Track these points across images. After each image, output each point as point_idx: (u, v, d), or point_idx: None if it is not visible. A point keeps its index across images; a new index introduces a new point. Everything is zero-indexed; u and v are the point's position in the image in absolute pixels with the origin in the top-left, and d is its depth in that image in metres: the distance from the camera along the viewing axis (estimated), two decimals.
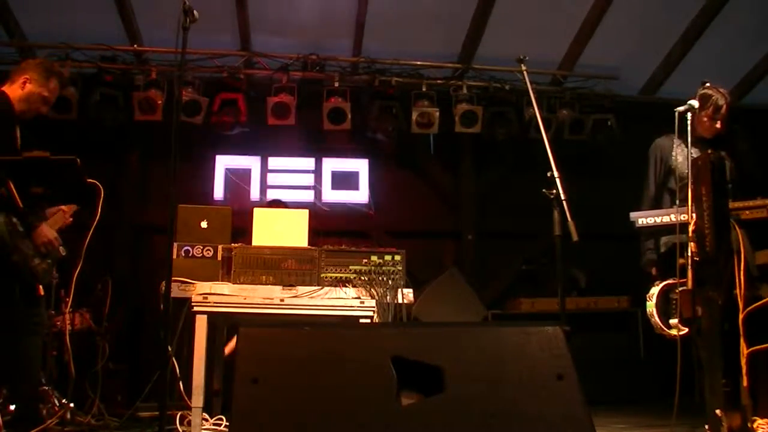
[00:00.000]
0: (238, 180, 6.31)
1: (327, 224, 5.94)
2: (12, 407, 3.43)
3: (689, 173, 3.15)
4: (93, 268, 3.89)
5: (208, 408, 4.04)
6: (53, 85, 3.43)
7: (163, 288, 2.74)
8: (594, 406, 1.96)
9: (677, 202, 3.42)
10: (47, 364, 3.84)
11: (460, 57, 6.20)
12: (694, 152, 3.34)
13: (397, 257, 3.90)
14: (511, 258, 6.56)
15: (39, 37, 5.73)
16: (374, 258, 3.88)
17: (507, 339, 2.01)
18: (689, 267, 3.06)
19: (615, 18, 5.76)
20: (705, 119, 3.66)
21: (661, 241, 3.74)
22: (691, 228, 3.10)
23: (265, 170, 6.43)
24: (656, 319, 3.42)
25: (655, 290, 3.48)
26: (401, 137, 6.15)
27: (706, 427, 2.92)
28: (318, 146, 6.47)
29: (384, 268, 3.85)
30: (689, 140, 3.28)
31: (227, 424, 3.85)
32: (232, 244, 3.86)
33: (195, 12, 2.68)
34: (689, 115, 3.32)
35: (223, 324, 4.36)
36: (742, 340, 2.95)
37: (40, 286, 3.20)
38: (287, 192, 6.22)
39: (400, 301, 3.80)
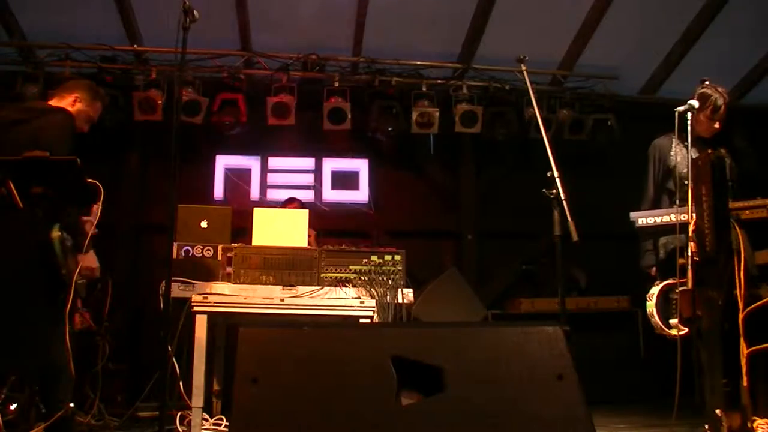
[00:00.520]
0: (238, 180, 6.31)
1: (327, 224, 5.94)
2: (12, 407, 3.43)
3: (689, 173, 3.15)
4: None
5: (208, 408, 4.05)
6: (98, 106, 3.64)
7: (163, 288, 2.75)
8: (594, 406, 1.96)
9: (676, 202, 3.42)
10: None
11: (460, 57, 6.20)
12: (693, 152, 3.34)
13: (397, 257, 3.90)
14: (511, 258, 6.55)
15: (39, 37, 5.73)
16: (374, 258, 3.88)
17: (507, 339, 2.01)
18: (689, 267, 3.06)
19: (615, 18, 5.76)
20: (703, 119, 3.66)
21: (660, 241, 3.74)
22: (691, 228, 3.10)
23: (265, 170, 6.43)
24: (656, 319, 3.43)
25: (655, 290, 3.48)
26: (401, 137, 6.15)
27: (706, 427, 2.92)
28: (318, 146, 6.46)
29: (384, 268, 3.85)
30: (689, 140, 3.28)
31: (227, 424, 3.85)
32: (232, 244, 3.86)
33: (195, 12, 2.68)
34: (689, 115, 3.32)
35: (223, 324, 4.36)
36: (742, 340, 2.95)
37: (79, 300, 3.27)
38: (287, 192, 6.22)
39: (400, 301, 3.80)
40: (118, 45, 5.73)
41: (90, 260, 3.27)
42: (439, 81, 6.17)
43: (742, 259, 3.00)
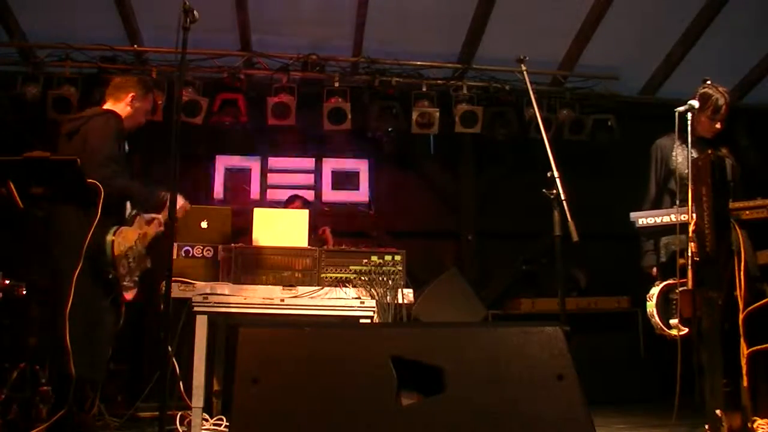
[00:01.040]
0: (238, 180, 6.31)
1: (327, 224, 5.94)
2: (13, 407, 3.43)
3: (689, 173, 3.15)
4: None
5: (208, 408, 4.04)
6: (151, 97, 3.77)
7: (163, 288, 2.74)
8: (594, 406, 1.96)
9: (677, 202, 3.42)
10: (47, 365, 3.83)
11: (460, 57, 6.20)
12: (694, 152, 3.34)
13: (397, 257, 3.90)
14: (511, 258, 6.55)
15: (39, 37, 5.73)
16: (374, 258, 3.88)
17: (507, 339, 2.01)
18: (689, 267, 3.06)
19: (615, 18, 5.76)
20: (704, 119, 3.66)
21: (661, 242, 3.74)
22: (691, 228, 3.10)
23: (265, 170, 6.44)
24: (656, 319, 3.43)
25: (655, 290, 3.48)
26: (401, 137, 6.15)
27: (706, 427, 2.91)
28: (318, 146, 6.46)
29: (384, 268, 3.85)
30: (689, 140, 3.28)
31: (227, 424, 3.85)
32: (232, 244, 3.86)
33: (195, 12, 2.68)
34: (689, 115, 3.32)
35: (223, 324, 4.36)
36: (742, 340, 2.95)
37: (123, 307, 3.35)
38: (287, 192, 6.22)
39: (400, 301, 3.80)
40: (118, 45, 5.73)
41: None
42: (439, 81, 6.17)
43: (743, 259, 3.00)
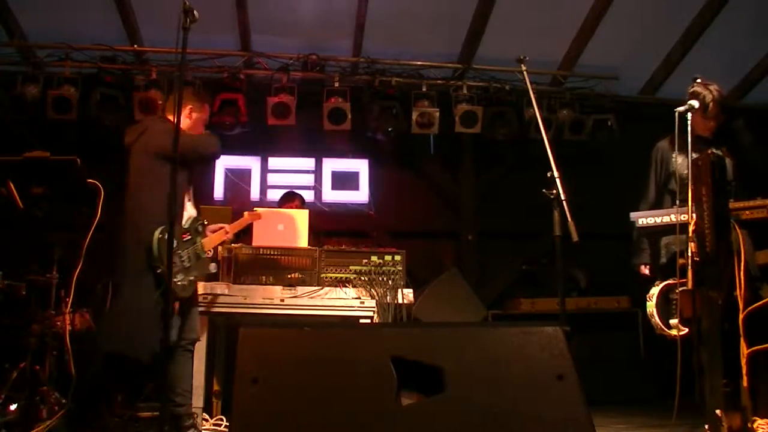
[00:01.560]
0: (238, 180, 6.31)
1: (327, 224, 5.94)
2: (12, 407, 3.43)
3: (689, 173, 3.15)
4: (93, 268, 3.89)
5: (208, 408, 4.05)
6: (207, 107, 3.78)
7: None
8: (594, 406, 1.96)
9: (677, 202, 3.42)
10: (47, 364, 3.83)
11: (460, 57, 6.20)
12: (694, 153, 3.33)
13: (397, 257, 3.90)
14: (511, 258, 6.55)
15: (39, 37, 5.73)
16: (374, 258, 3.88)
17: (507, 339, 2.01)
18: (689, 267, 3.06)
19: (615, 18, 5.76)
20: (698, 118, 3.62)
21: (662, 242, 3.74)
22: (691, 228, 3.09)
23: (265, 170, 6.43)
24: (656, 319, 3.42)
25: (655, 290, 3.48)
26: (401, 137, 6.15)
27: (706, 427, 2.91)
28: (318, 146, 6.46)
29: (384, 268, 3.86)
30: (689, 140, 3.28)
31: (227, 424, 3.85)
32: (233, 244, 3.86)
33: (195, 12, 2.68)
34: (689, 115, 3.32)
35: (223, 324, 4.36)
36: (742, 340, 2.95)
37: (177, 303, 3.38)
38: None
39: (400, 301, 3.81)
40: (118, 45, 5.73)
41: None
42: (439, 81, 6.17)
43: (743, 259, 3.00)
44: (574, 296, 5.90)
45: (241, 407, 1.85)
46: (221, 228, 3.69)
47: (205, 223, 3.64)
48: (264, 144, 6.37)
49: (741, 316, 2.96)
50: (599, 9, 5.72)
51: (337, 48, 6.04)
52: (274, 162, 6.48)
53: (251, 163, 6.42)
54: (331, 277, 3.83)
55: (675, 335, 3.31)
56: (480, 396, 1.90)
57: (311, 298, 3.74)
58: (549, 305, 5.64)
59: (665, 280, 3.52)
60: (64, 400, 3.65)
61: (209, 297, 3.73)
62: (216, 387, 4.33)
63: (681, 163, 3.63)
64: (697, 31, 5.91)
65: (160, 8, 5.24)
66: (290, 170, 6.51)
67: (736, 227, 3.07)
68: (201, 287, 3.70)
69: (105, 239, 3.59)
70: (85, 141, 5.49)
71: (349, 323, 3.68)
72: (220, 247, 3.88)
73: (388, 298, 3.76)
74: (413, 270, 4.13)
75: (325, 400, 1.87)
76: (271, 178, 6.44)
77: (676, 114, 3.35)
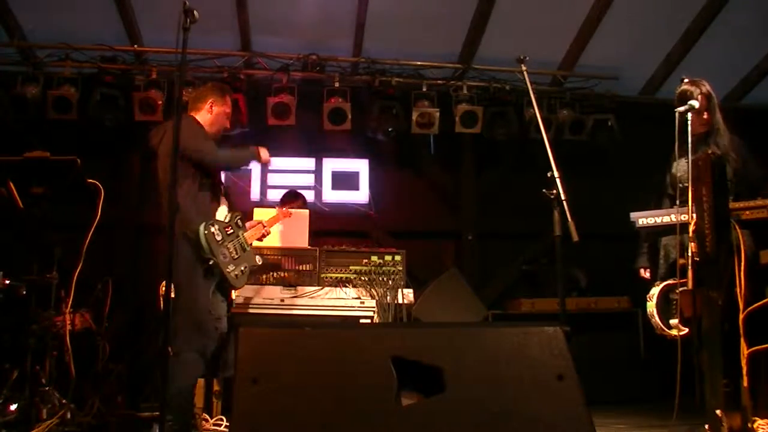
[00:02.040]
0: (238, 180, 6.31)
1: (327, 224, 5.94)
2: (12, 407, 3.43)
3: (689, 174, 3.15)
4: (93, 268, 3.89)
5: (208, 408, 4.05)
6: (228, 100, 3.77)
7: (163, 288, 2.74)
8: (594, 406, 1.96)
9: (677, 203, 3.42)
10: (47, 364, 3.83)
11: (460, 57, 6.20)
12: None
13: (398, 257, 3.91)
14: (511, 258, 6.55)
15: (39, 37, 5.73)
16: (374, 258, 3.88)
17: (507, 339, 2.01)
18: (689, 267, 3.06)
19: (615, 18, 5.76)
20: (692, 116, 3.61)
21: (661, 242, 3.74)
22: (691, 228, 3.09)
23: (265, 170, 6.43)
24: (657, 319, 3.43)
25: (655, 290, 3.48)
26: (401, 137, 6.14)
27: (706, 427, 2.91)
28: (318, 146, 6.46)
29: (384, 268, 3.86)
30: (689, 140, 3.27)
31: (227, 424, 3.85)
32: None
33: (195, 12, 2.67)
34: (689, 115, 3.32)
35: None
36: (742, 340, 2.95)
37: (233, 291, 3.55)
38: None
39: (400, 301, 3.81)
40: (118, 45, 5.73)
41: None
42: (439, 81, 6.17)
43: (743, 259, 3.00)
44: (574, 296, 5.90)
45: (241, 407, 1.85)
46: (259, 223, 3.83)
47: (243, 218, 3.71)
48: (264, 144, 6.33)
49: (741, 316, 2.96)
50: (599, 9, 5.72)
51: (337, 48, 6.04)
52: (274, 162, 6.44)
53: (251, 163, 6.41)
54: (331, 277, 3.83)
55: (675, 335, 3.31)
56: (480, 396, 1.90)
57: (311, 298, 3.74)
58: (549, 305, 5.64)
59: (665, 280, 3.53)
60: (64, 400, 3.65)
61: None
62: (216, 387, 4.33)
63: (679, 167, 3.62)
64: (697, 31, 5.91)
65: (160, 8, 5.24)
66: (290, 170, 6.50)
67: (737, 227, 3.08)
68: None
69: (105, 239, 3.59)
70: (85, 141, 5.49)
71: (349, 323, 3.68)
72: (256, 242, 3.90)
73: (388, 298, 3.76)
74: (413, 270, 4.13)
75: (325, 400, 1.87)
76: (271, 178, 6.43)
77: (677, 114, 3.35)
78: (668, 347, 3.31)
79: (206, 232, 3.29)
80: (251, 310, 3.74)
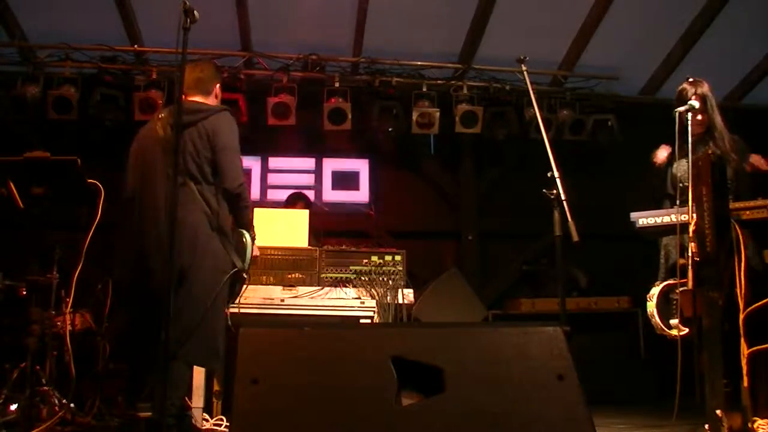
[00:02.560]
0: None
1: (327, 224, 5.94)
2: (12, 407, 3.43)
3: (689, 173, 3.15)
4: (93, 268, 3.89)
5: (209, 408, 4.05)
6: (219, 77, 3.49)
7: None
8: (594, 406, 1.96)
9: (677, 203, 3.41)
10: (47, 364, 3.83)
11: (460, 57, 6.20)
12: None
13: (398, 257, 3.90)
14: (511, 258, 6.56)
15: (39, 38, 5.73)
16: (374, 258, 3.88)
17: (507, 339, 2.01)
18: (690, 267, 3.06)
19: (615, 18, 5.76)
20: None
21: (662, 242, 3.73)
22: (691, 228, 3.09)
23: (265, 170, 6.44)
24: (657, 319, 3.42)
25: (655, 290, 3.48)
26: (401, 137, 6.15)
27: (706, 427, 2.91)
28: (318, 146, 6.47)
29: (384, 268, 3.85)
30: (689, 140, 3.27)
31: (227, 424, 3.85)
32: None
33: (195, 12, 2.67)
34: (690, 115, 3.31)
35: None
36: (742, 340, 2.95)
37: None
38: (288, 192, 6.23)
39: (400, 301, 3.80)
40: (118, 45, 5.73)
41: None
42: (439, 81, 6.17)
43: (743, 259, 3.00)
44: (574, 296, 5.90)
45: (241, 407, 1.85)
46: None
47: None
48: (264, 144, 6.37)
49: (741, 316, 2.96)
50: (599, 9, 5.72)
51: (337, 48, 6.04)
52: (274, 162, 6.48)
53: (251, 163, 6.42)
54: (331, 277, 3.83)
55: (675, 335, 3.31)
56: (480, 396, 1.90)
57: (311, 298, 3.74)
58: (549, 305, 5.64)
59: (665, 279, 3.53)
60: (64, 401, 3.65)
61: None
62: (216, 387, 4.33)
63: (679, 167, 3.62)
64: (697, 31, 5.90)
65: (160, 8, 5.24)
66: (290, 170, 6.51)
67: (737, 227, 3.07)
68: None
69: (105, 239, 3.58)
70: (85, 141, 5.49)
71: (349, 323, 3.68)
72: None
73: (388, 298, 3.76)
74: (413, 270, 4.13)
75: (325, 400, 1.87)
76: (272, 178, 6.44)
77: (677, 114, 3.35)
78: (668, 347, 3.31)
79: (251, 243, 3.13)
80: (251, 310, 3.73)
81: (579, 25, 5.93)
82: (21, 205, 3.14)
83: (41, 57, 5.71)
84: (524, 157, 6.14)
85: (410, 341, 2.01)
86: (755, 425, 2.97)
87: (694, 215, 3.09)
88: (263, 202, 6.21)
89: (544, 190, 3.20)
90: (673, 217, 3.35)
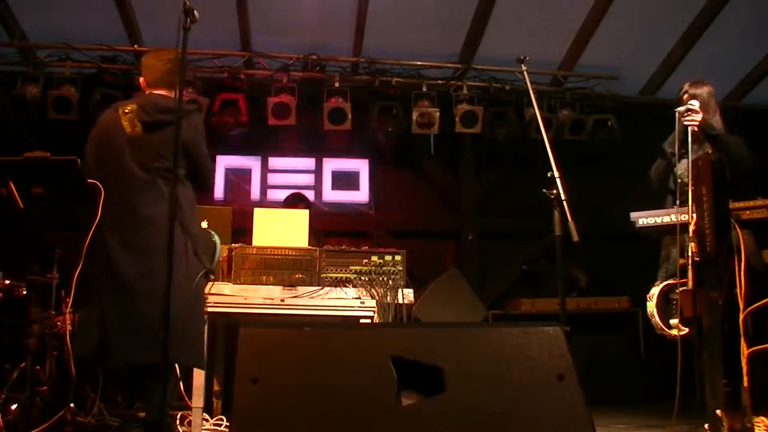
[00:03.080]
0: (238, 180, 6.31)
1: (327, 224, 5.94)
2: (13, 407, 3.43)
3: (689, 173, 3.15)
4: (93, 268, 3.88)
5: (209, 408, 4.05)
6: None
7: None
8: (594, 406, 1.96)
9: (677, 202, 3.41)
10: (47, 364, 3.83)
11: (460, 57, 6.20)
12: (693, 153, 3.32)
13: (398, 257, 3.90)
14: (511, 258, 6.56)
15: (39, 37, 5.73)
16: (374, 258, 3.88)
17: (507, 339, 2.01)
18: (690, 267, 3.06)
19: (615, 18, 5.76)
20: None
21: (663, 241, 3.73)
22: (691, 228, 3.09)
23: (265, 170, 6.44)
24: (657, 319, 3.42)
25: (655, 290, 3.48)
26: (401, 137, 6.15)
27: (706, 427, 2.92)
28: (318, 146, 6.47)
29: (384, 268, 3.85)
30: (689, 140, 3.28)
31: (227, 424, 3.85)
32: (232, 244, 3.86)
33: (195, 12, 2.67)
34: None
35: (223, 324, 4.36)
36: (742, 340, 2.94)
37: None
38: (287, 192, 6.23)
39: (400, 301, 3.80)
40: (118, 45, 5.73)
41: None
42: (439, 81, 6.17)
43: (743, 259, 3.00)
44: (574, 296, 5.91)
45: (241, 407, 1.85)
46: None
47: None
48: (264, 144, 6.37)
49: (741, 316, 2.95)
50: (599, 9, 5.72)
51: (337, 48, 6.04)
52: (274, 162, 6.48)
53: (251, 163, 6.42)
54: (331, 277, 3.82)
55: (675, 335, 3.30)
56: (480, 396, 1.90)
57: (311, 298, 3.74)
58: (549, 305, 5.65)
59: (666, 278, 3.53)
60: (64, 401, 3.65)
61: (209, 297, 3.72)
62: (216, 387, 4.33)
63: (680, 167, 3.62)
64: (697, 31, 5.91)
65: (160, 8, 5.23)
66: (290, 170, 6.51)
67: (737, 227, 3.07)
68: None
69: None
70: (85, 141, 5.47)
71: (349, 323, 3.68)
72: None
73: (388, 298, 3.76)
74: (413, 270, 4.12)
75: (325, 400, 1.87)
76: (272, 178, 6.44)
77: (677, 114, 3.35)
78: (668, 347, 3.31)
79: (218, 241, 3.21)
80: (251, 310, 3.73)
81: (579, 25, 5.93)
82: (21, 205, 3.14)
83: (41, 57, 5.72)
84: (524, 157, 6.14)
85: (410, 341, 2.00)
86: (755, 425, 2.96)
87: (694, 215, 3.09)
88: (263, 202, 6.22)
89: (544, 190, 3.19)
90: (673, 217, 3.35)
